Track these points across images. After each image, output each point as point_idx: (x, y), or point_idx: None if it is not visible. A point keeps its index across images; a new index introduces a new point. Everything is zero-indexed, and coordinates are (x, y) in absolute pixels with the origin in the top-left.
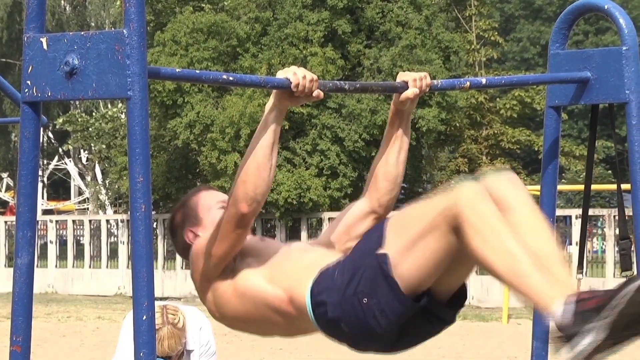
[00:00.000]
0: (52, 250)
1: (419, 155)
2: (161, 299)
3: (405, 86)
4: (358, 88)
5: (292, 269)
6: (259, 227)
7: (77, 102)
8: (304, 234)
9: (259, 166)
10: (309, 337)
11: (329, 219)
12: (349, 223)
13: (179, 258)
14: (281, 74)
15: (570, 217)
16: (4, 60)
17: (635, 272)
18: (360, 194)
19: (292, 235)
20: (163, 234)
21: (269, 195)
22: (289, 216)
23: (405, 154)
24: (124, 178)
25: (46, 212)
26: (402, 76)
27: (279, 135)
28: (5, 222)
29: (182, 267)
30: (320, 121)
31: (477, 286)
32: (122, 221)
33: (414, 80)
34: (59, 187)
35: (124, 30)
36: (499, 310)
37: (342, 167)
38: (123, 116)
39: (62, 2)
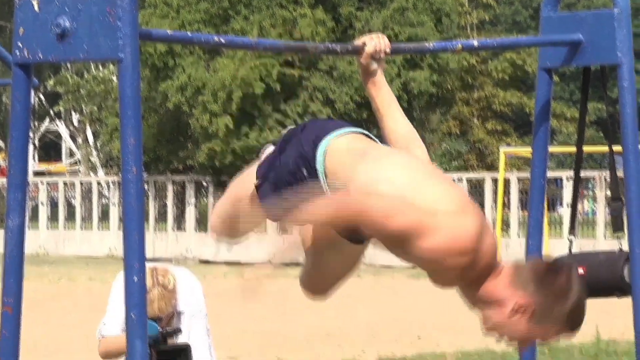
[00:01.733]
0: (44, 212)
1: (411, 118)
2: (152, 260)
3: (364, 47)
4: (323, 50)
5: None
6: None
7: (68, 64)
8: None
9: None
10: (296, 298)
11: None
12: None
13: (170, 219)
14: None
15: (561, 179)
16: None
17: (626, 234)
18: None
19: None
20: (154, 196)
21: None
22: None
23: (402, 111)
24: (115, 140)
25: (37, 174)
26: (359, 39)
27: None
28: None
29: (173, 229)
30: (311, 83)
31: None
32: (113, 183)
33: (370, 38)
34: (50, 149)
35: None
36: None
37: None
38: (114, 78)
39: None
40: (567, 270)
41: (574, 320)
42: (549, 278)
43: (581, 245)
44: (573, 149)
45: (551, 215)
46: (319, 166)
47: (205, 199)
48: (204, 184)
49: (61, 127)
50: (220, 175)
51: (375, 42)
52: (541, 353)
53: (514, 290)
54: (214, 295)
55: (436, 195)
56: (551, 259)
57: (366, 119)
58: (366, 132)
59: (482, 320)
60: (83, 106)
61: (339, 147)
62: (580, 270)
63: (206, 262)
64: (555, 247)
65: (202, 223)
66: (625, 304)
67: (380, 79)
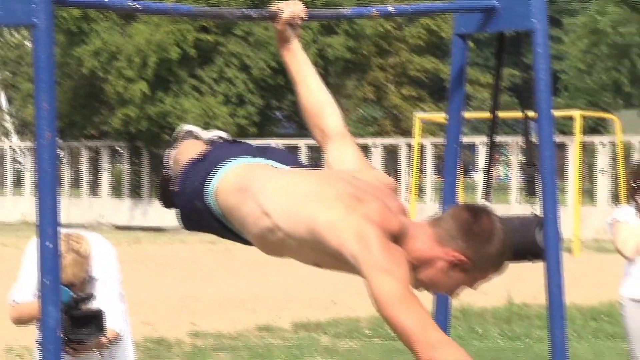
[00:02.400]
0: None
1: (326, 84)
2: (66, 226)
3: (279, 13)
4: (238, 15)
5: None
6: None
7: None
8: None
9: None
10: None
11: None
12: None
13: (84, 185)
14: None
15: (475, 144)
16: None
17: (540, 198)
18: (268, 123)
19: None
20: (68, 161)
21: (173, 122)
22: None
23: (317, 78)
24: (29, 105)
25: None
26: (275, 5)
27: None
28: None
29: (87, 195)
30: (227, 49)
31: None
32: (27, 149)
33: (286, 4)
34: None
35: None
36: None
37: (249, 95)
38: (28, 43)
39: None
40: (486, 213)
41: (504, 258)
42: (474, 227)
43: (494, 210)
44: (487, 114)
45: (465, 181)
46: (211, 202)
47: (119, 165)
48: (119, 150)
49: None
50: (135, 141)
51: (291, 8)
52: (455, 317)
53: (443, 247)
54: (128, 261)
55: (316, 208)
56: (468, 206)
57: (282, 85)
58: (257, 152)
59: (413, 281)
60: None
61: (225, 188)
62: None
63: (120, 227)
64: None
65: (116, 189)
66: (537, 268)
67: (295, 45)
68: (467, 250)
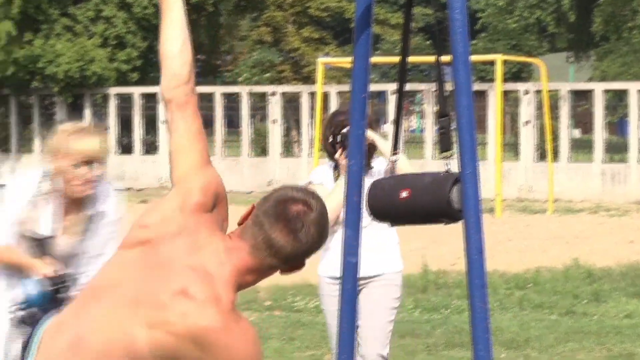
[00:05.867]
0: None
1: (216, 24)
2: None
3: None
4: None
5: None
6: (36, 104)
7: None
8: (87, 112)
9: None
10: None
11: (115, 95)
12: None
13: None
14: None
15: (385, 92)
16: None
17: (455, 153)
18: (152, 69)
19: (74, 113)
20: None
21: (45, 68)
22: (69, 92)
23: (182, 26)
24: None
25: None
26: None
27: None
28: None
29: None
30: None
31: None
32: None
33: None
34: None
35: None
36: None
37: (130, 36)
38: None
39: None
40: (284, 214)
41: (316, 247)
42: (276, 240)
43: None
44: (397, 59)
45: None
46: None
47: None
48: None
49: None
50: (2, 88)
51: None
52: None
53: (260, 258)
54: None
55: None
56: (267, 211)
57: None
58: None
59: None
60: None
61: None
62: (405, 194)
63: None
64: None
65: None
66: (454, 231)
67: None
68: (278, 260)
